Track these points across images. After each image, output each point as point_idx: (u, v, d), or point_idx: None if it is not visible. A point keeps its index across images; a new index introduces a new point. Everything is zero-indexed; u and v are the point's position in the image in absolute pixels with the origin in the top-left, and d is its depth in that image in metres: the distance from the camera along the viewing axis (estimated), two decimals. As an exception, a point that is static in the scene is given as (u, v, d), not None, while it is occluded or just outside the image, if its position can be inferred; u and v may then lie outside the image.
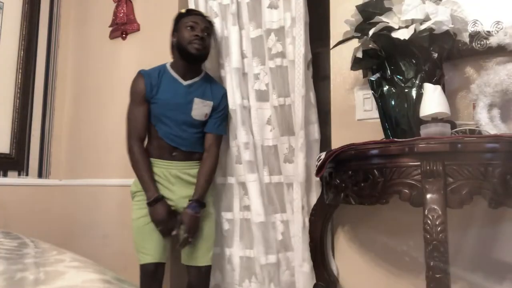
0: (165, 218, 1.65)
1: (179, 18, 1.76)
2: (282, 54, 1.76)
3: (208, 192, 1.76)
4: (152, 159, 1.73)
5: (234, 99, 1.79)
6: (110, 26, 2.41)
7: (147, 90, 1.71)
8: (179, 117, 1.72)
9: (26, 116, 2.40)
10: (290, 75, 1.72)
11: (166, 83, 1.73)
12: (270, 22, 1.77)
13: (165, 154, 1.73)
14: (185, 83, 1.74)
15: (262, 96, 1.82)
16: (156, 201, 1.64)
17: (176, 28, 1.75)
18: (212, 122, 1.77)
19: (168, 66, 1.78)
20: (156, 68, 1.77)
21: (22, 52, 2.39)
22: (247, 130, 1.77)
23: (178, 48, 1.72)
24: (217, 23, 1.90)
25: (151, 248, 1.69)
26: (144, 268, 1.70)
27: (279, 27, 1.76)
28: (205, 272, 1.73)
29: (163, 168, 1.72)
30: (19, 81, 2.37)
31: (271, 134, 1.80)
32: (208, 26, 1.76)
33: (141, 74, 1.74)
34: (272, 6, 1.77)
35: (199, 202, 1.67)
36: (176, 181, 1.72)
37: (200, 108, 1.74)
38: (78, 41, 2.62)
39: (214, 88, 1.80)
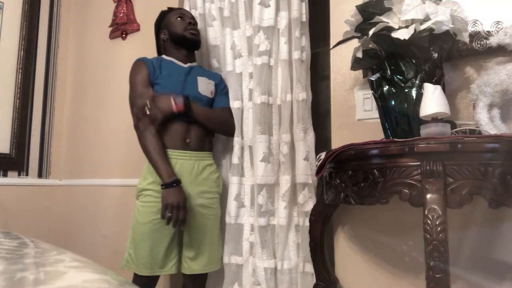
0: (180, 203, 1.49)
1: (163, 15, 1.82)
2: (269, 53, 1.75)
3: (216, 193, 1.72)
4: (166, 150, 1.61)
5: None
6: (110, 26, 2.41)
7: (150, 72, 1.67)
8: (187, 93, 1.66)
9: (26, 116, 2.40)
10: (282, 74, 1.71)
11: (167, 66, 1.73)
12: (260, 19, 1.75)
13: (179, 142, 1.62)
14: (185, 65, 1.77)
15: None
16: (174, 183, 1.51)
17: (163, 25, 1.80)
18: (221, 99, 1.82)
19: (164, 56, 1.79)
20: (152, 58, 1.76)
21: (22, 52, 2.39)
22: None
23: (172, 39, 1.76)
24: (216, 26, 1.90)
25: (152, 258, 1.55)
26: (137, 279, 1.57)
27: (268, 26, 1.75)
28: (200, 279, 1.68)
29: (175, 161, 1.60)
30: (19, 81, 2.37)
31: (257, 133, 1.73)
32: (194, 17, 1.83)
33: (141, 59, 1.73)
34: (263, 4, 1.76)
35: (187, 101, 1.61)
36: (189, 176, 1.61)
37: (205, 85, 1.76)
38: (78, 41, 2.62)
39: (211, 72, 1.88)
